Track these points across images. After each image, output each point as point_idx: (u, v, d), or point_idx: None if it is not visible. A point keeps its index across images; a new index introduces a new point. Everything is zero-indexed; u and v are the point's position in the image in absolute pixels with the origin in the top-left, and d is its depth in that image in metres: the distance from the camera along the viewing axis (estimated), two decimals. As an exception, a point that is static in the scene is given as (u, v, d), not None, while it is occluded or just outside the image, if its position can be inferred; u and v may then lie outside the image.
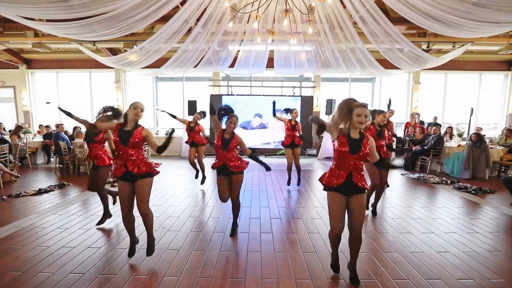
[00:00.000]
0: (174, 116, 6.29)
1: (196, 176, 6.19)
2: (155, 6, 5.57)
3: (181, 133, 10.56)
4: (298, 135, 5.60)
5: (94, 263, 2.84)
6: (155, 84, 11.04)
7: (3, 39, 8.23)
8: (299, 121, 5.67)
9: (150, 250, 2.88)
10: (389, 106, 4.93)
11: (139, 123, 2.79)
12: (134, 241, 2.96)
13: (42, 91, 11.20)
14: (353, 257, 2.50)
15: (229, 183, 3.46)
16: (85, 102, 11.07)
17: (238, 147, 3.45)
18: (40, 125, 9.70)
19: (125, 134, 2.71)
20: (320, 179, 2.50)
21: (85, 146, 6.87)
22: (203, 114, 6.05)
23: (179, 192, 5.48)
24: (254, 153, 3.45)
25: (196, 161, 6.06)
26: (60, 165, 7.63)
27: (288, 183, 5.88)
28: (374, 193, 4.20)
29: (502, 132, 9.05)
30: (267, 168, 3.37)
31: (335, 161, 2.40)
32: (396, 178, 6.83)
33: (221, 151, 3.35)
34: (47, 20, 6.10)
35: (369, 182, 3.15)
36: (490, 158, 6.69)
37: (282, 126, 6.30)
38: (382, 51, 7.41)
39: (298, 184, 5.95)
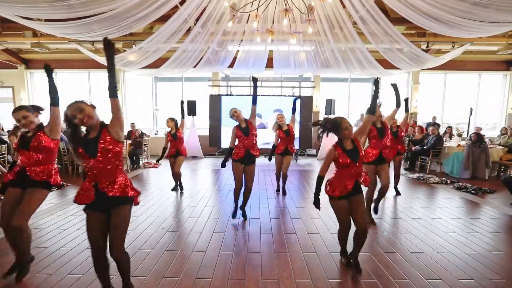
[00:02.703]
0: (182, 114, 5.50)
1: (176, 189, 5.52)
2: (154, 5, 5.55)
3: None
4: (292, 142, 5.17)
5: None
6: (154, 84, 11.02)
7: (1, 39, 8.20)
8: (294, 121, 5.26)
9: None
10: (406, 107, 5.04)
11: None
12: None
13: (40, 91, 11.18)
14: (359, 247, 2.69)
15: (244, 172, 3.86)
16: (84, 102, 11.04)
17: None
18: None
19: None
20: (329, 193, 2.71)
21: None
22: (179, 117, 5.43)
23: (178, 192, 5.46)
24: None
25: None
26: (59, 166, 7.60)
27: (278, 191, 5.51)
28: (377, 192, 3.93)
29: (501, 131, 9.07)
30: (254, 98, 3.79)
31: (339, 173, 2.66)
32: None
33: (244, 137, 3.77)
34: (46, 20, 6.07)
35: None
36: (490, 158, 6.70)
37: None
38: (381, 51, 7.41)
39: (284, 193, 5.34)
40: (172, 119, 5.37)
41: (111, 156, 1.96)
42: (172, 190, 5.52)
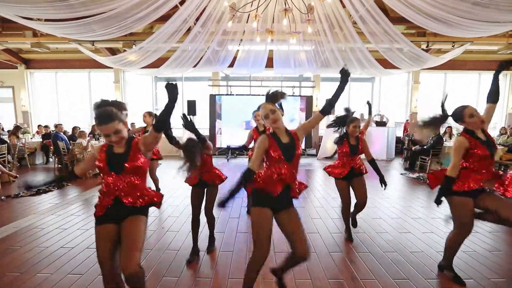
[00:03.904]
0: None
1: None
2: (154, 5, 5.56)
3: (180, 133, 10.55)
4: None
5: (93, 263, 2.81)
6: (154, 84, 11.03)
7: (1, 39, 8.21)
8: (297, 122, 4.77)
9: None
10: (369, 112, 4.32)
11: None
12: None
13: (41, 91, 11.19)
14: (359, 210, 3.39)
15: None
16: (84, 102, 11.06)
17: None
18: (39, 125, 9.67)
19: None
20: (329, 172, 3.34)
21: (89, 147, 6.86)
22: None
23: (178, 192, 5.46)
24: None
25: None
26: (59, 165, 7.61)
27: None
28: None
29: (500, 131, 9.07)
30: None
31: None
32: (396, 178, 6.83)
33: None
34: (46, 20, 6.07)
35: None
36: (489, 158, 6.68)
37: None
38: (381, 51, 7.41)
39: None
40: (150, 114, 4.60)
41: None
42: None
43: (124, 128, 1.86)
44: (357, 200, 3.33)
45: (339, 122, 3.25)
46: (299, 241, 2.00)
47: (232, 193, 1.95)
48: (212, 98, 9.61)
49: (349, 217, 3.44)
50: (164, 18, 6.13)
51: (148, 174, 2.07)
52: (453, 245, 2.53)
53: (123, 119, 1.86)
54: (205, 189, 2.92)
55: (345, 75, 2.08)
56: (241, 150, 3.82)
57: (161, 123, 1.82)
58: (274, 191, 2.06)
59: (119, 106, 1.91)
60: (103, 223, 1.86)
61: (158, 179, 5.06)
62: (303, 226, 2.10)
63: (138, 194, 1.88)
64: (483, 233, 3.61)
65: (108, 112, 1.78)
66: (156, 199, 1.96)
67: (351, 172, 3.26)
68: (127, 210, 1.85)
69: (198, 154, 2.18)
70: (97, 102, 1.93)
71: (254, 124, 3.95)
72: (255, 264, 2.04)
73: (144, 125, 4.71)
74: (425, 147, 7.53)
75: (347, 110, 3.30)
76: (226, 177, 2.99)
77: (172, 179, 6.52)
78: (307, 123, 2.19)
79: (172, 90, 1.77)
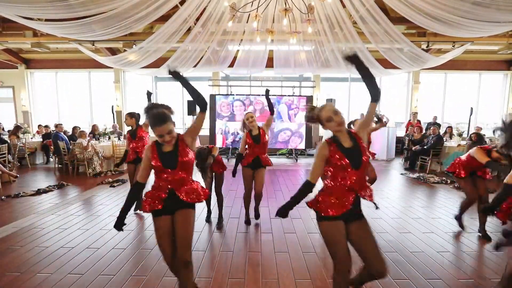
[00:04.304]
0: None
1: (136, 208, 4.12)
2: (154, 5, 5.56)
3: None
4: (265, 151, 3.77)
5: (93, 263, 2.82)
6: (154, 84, 11.03)
7: (2, 39, 8.21)
8: (270, 125, 3.77)
9: None
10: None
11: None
12: None
13: (41, 91, 11.19)
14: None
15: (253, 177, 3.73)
16: (85, 102, 11.06)
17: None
18: (39, 125, 9.67)
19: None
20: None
21: (90, 147, 6.87)
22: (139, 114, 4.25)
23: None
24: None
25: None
26: (59, 165, 7.61)
27: (247, 222, 3.89)
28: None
29: (502, 131, 9.06)
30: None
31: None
32: (396, 178, 6.82)
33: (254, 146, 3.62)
34: (46, 20, 6.08)
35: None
36: (490, 158, 6.68)
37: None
38: (381, 51, 7.40)
39: (257, 217, 3.95)
40: (131, 115, 4.21)
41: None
42: (135, 210, 4.17)
43: (174, 128, 2.00)
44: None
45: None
46: (377, 261, 1.81)
47: (290, 207, 1.88)
48: (212, 98, 9.61)
49: None
50: (164, 18, 6.13)
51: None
52: None
53: (173, 120, 2.01)
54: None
55: (353, 59, 1.75)
56: (238, 160, 3.67)
57: (198, 100, 1.99)
58: (346, 204, 1.81)
59: (169, 109, 2.07)
60: (161, 215, 2.01)
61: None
62: (376, 240, 1.89)
63: (189, 187, 2.04)
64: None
65: (162, 114, 1.92)
66: (202, 197, 2.09)
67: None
68: (180, 203, 2.01)
69: (208, 162, 2.56)
70: (148, 105, 2.06)
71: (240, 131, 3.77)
72: (339, 277, 1.85)
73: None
74: (425, 147, 7.53)
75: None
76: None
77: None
78: (365, 119, 1.94)
79: (175, 74, 1.97)
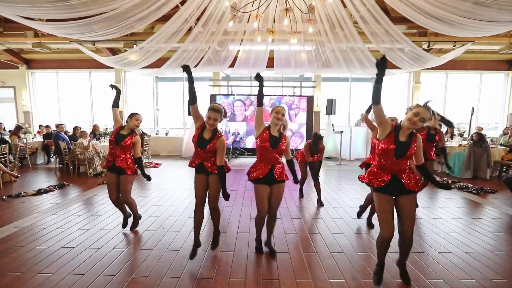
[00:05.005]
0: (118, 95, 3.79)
1: (125, 225, 3.66)
2: (155, 5, 5.55)
3: (181, 133, 10.57)
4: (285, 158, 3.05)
5: (94, 263, 2.82)
6: (155, 84, 11.03)
7: (3, 39, 8.22)
8: (288, 129, 2.97)
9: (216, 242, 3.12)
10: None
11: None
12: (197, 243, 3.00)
13: (42, 91, 11.21)
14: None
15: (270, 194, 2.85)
16: (85, 102, 11.07)
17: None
18: (40, 125, 9.69)
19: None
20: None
21: (90, 147, 6.88)
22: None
23: (179, 192, 5.47)
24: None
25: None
26: (60, 165, 7.62)
27: (258, 249, 3.09)
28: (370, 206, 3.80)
29: (503, 132, 9.03)
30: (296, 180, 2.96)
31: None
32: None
33: (270, 149, 2.75)
34: (47, 20, 6.09)
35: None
36: (491, 158, 6.67)
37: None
38: (382, 51, 7.38)
39: (268, 243, 3.09)
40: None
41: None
42: (125, 226, 3.68)
43: (219, 122, 2.78)
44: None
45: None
46: (407, 225, 2.45)
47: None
48: (213, 98, 9.61)
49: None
50: (165, 18, 6.13)
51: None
52: None
53: (222, 118, 2.81)
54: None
55: (381, 65, 2.24)
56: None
57: (189, 94, 2.82)
58: (382, 179, 2.39)
59: (225, 112, 2.86)
60: (199, 173, 2.89)
61: (135, 202, 3.59)
62: (415, 212, 2.49)
63: (213, 162, 2.84)
64: (485, 233, 3.60)
65: (220, 107, 2.79)
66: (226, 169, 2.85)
67: None
68: (208, 170, 2.84)
69: None
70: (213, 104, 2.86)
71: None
72: (383, 242, 2.46)
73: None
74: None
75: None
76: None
77: (171, 179, 6.52)
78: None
79: (186, 68, 2.79)
